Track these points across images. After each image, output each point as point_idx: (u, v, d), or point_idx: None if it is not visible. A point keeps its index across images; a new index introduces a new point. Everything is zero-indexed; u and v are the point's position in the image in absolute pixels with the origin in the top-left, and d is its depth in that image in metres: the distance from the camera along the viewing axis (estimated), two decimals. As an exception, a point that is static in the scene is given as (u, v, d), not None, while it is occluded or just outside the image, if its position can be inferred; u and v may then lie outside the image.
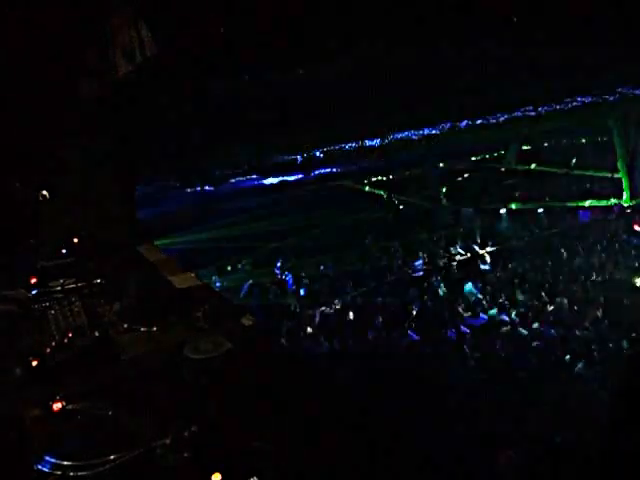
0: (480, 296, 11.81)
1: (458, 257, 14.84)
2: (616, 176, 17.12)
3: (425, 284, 13.15)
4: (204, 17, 4.62)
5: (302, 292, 13.45)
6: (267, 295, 13.57)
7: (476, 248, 15.38)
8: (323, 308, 12.03)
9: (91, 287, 3.34)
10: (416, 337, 10.17)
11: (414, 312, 11.07)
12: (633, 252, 14.13)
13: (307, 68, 7.80)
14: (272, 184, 17.28)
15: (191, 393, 2.22)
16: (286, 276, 14.60)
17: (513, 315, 10.71)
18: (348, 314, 11.45)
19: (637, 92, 12.39)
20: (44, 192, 4.51)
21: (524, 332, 9.90)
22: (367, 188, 20.55)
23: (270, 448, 1.79)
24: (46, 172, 4.67)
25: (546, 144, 20.23)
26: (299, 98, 9.20)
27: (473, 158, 20.68)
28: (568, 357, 8.85)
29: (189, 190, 15.87)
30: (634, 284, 11.70)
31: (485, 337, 9.96)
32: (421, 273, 14.09)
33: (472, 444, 7.13)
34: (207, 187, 16.38)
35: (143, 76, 4.73)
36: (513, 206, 18.49)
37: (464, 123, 13.15)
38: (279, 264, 15.04)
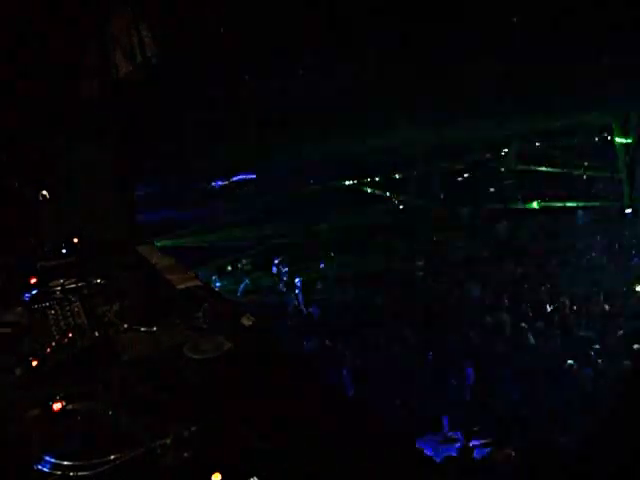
0: (480, 296, 11.82)
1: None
2: (616, 176, 17.10)
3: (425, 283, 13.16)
4: (203, 17, 4.63)
5: (298, 291, 13.47)
6: (265, 294, 13.60)
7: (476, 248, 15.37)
8: (321, 306, 12.05)
9: (91, 287, 3.33)
10: (415, 336, 10.17)
11: (414, 311, 11.08)
12: (633, 252, 14.13)
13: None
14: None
15: (191, 393, 2.22)
16: (284, 275, 14.62)
17: (513, 315, 10.71)
18: (347, 313, 11.46)
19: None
20: (44, 192, 4.51)
21: (524, 331, 9.89)
22: (367, 189, 20.56)
23: (270, 448, 1.78)
24: (46, 172, 4.67)
25: (546, 144, 20.20)
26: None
27: (473, 158, 20.67)
28: (569, 356, 8.85)
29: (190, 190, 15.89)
30: (634, 287, 11.69)
31: (486, 337, 9.96)
32: (421, 273, 14.09)
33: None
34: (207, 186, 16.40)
35: (143, 76, 4.73)
36: (513, 206, 18.48)
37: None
38: (276, 261, 15.07)
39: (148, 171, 10.33)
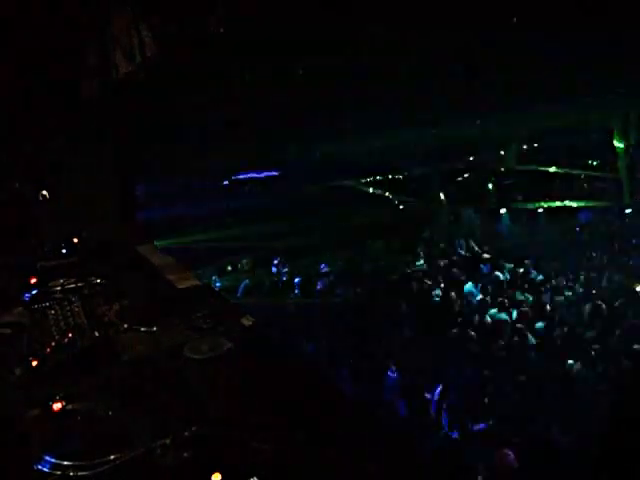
0: (480, 296, 11.81)
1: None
2: (616, 176, 17.10)
3: (425, 284, 13.15)
4: (203, 17, 4.63)
5: (297, 291, 13.47)
6: (264, 294, 13.60)
7: (476, 248, 15.38)
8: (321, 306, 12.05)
9: (91, 287, 3.33)
10: (414, 336, 10.18)
11: (413, 311, 11.09)
12: (633, 252, 14.14)
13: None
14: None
15: (191, 393, 2.22)
16: (284, 275, 14.63)
17: (514, 315, 10.71)
18: (347, 313, 11.46)
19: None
20: (44, 192, 4.51)
21: (524, 331, 9.89)
22: (368, 188, 20.54)
23: (270, 448, 1.79)
24: (46, 172, 4.68)
25: (546, 144, 20.16)
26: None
27: (473, 158, 20.63)
28: (568, 356, 8.85)
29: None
30: (634, 287, 11.69)
31: (485, 337, 9.95)
32: (421, 273, 14.08)
33: (471, 444, 7.14)
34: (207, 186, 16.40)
35: (143, 76, 4.74)
36: (513, 206, 18.48)
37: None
38: (276, 262, 15.07)
39: (148, 171, 10.34)
